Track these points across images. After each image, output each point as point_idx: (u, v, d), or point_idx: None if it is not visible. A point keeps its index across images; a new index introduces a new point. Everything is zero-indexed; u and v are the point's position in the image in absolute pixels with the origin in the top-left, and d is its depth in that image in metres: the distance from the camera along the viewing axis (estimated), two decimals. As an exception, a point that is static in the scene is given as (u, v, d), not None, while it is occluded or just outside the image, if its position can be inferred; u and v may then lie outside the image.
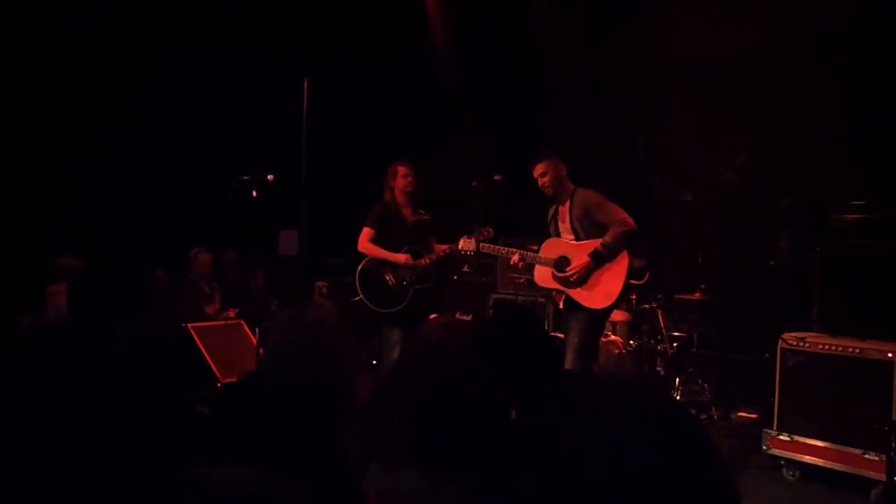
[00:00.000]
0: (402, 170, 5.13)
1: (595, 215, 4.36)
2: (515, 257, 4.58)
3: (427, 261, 5.06)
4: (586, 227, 4.40)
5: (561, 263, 4.41)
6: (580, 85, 7.36)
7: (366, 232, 5.15)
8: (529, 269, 4.66)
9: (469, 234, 4.81)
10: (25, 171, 6.21)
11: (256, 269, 7.21)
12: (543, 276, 4.52)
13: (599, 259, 4.28)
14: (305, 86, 5.51)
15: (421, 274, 5.06)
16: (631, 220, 4.30)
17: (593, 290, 4.30)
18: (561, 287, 4.44)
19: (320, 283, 7.16)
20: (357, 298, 5.18)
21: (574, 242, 4.44)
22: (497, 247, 4.67)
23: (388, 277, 5.09)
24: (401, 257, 5.04)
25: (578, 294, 4.33)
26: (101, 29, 6.55)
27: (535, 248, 4.56)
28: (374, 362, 7.16)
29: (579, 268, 4.31)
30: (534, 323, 2.24)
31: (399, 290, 5.05)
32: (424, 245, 5.14)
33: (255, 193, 5.39)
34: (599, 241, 4.29)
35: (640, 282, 4.76)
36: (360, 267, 5.16)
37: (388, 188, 5.19)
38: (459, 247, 4.88)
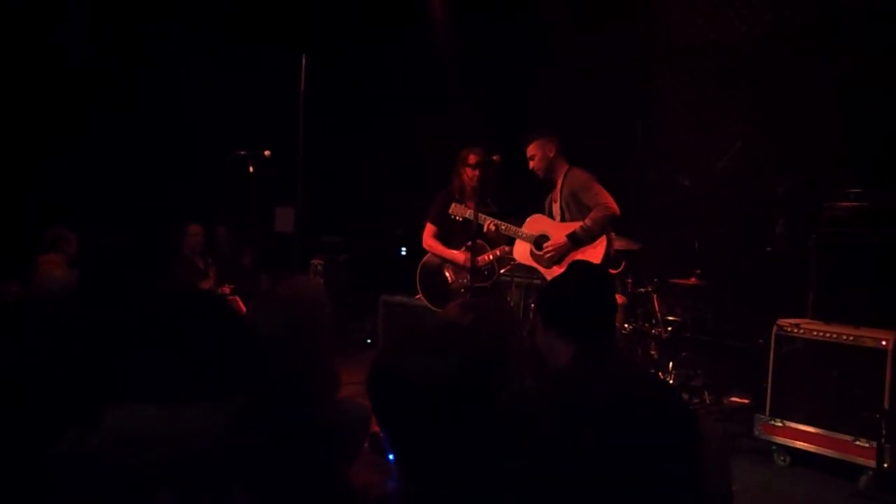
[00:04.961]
0: (472, 158, 4.72)
1: (581, 197, 4.34)
2: (489, 222, 4.49)
3: (488, 257, 4.70)
4: (573, 208, 4.40)
5: (540, 241, 4.41)
6: (578, 68, 7.32)
7: (428, 228, 4.88)
8: (506, 240, 4.61)
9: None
10: (18, 143, 6.15)
11: (246, 246, 7.17)
12: (522, 252, 4.50)
13: (577, 241, 4.27)
14: (303, 62, 5.45)
15: (480, 272, 4.66)
16: (614, 205, 4.27)
17: None
18: (536, 265, 4.44)
19: (315, 261, 7.14)
20: (417, 297, 4.98)
21: (556, 222, 4.45)
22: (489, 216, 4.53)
23: (448, 275, 4.81)
24: (459, 256, 4.73)
25: (553, 274, 4.28)
26: (98, 3, 6.46)
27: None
28: (368, 341, 7.16)
29: (555, 247, 4.31)
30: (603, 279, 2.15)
31: (457, 291, 4.74)
32: (492, 239, 4.73)
33: (251, 169, 5.35)
34: (580, 223, 4.28)
35: (616, 270, 4.60)
36: (420, 264, 4.93)
37: (457, 175, 4.79)
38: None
